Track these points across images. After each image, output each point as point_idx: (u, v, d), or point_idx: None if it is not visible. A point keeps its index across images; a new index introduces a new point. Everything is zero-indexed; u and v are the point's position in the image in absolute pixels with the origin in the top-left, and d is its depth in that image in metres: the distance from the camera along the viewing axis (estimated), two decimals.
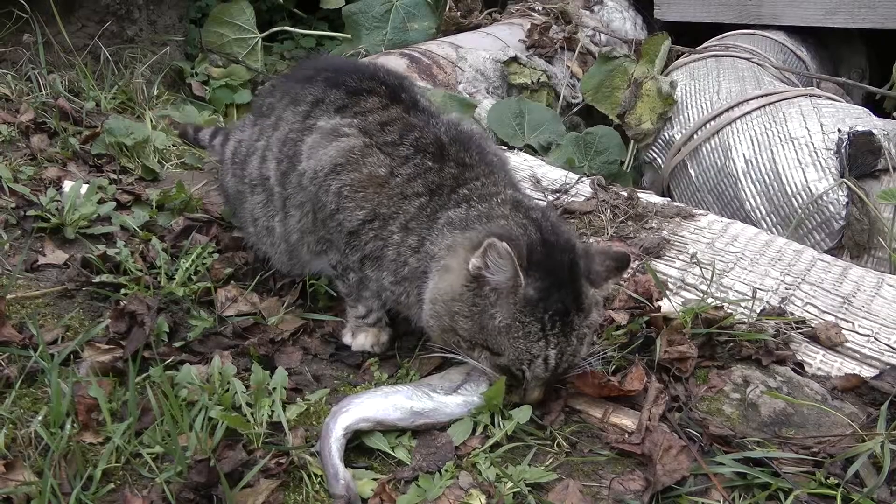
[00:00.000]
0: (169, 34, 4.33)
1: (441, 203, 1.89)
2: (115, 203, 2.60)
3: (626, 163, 3.89)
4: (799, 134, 3.30)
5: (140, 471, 1.61)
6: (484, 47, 4.34)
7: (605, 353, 1.94)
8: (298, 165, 2.04)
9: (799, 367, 1.99)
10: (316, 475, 1.64)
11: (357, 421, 1.68)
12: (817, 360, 2.04)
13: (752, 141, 3.40)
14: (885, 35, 4.65)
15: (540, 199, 2.62)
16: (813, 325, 2.12)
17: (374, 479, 1.63)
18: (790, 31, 4.88)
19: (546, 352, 1.70)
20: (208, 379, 1.83)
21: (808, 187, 3.15)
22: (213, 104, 4.33)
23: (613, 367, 1.94)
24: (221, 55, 4.63)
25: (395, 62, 3.94)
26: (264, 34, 4.72)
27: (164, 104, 3.90)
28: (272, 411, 1.76)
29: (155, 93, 3.98)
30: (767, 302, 2.20)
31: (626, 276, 2.13)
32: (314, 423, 1.78)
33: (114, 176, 2.86)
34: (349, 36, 4.76)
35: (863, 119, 3.31)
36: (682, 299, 2.22)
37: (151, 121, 3.37)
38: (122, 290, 2.16)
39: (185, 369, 1.83)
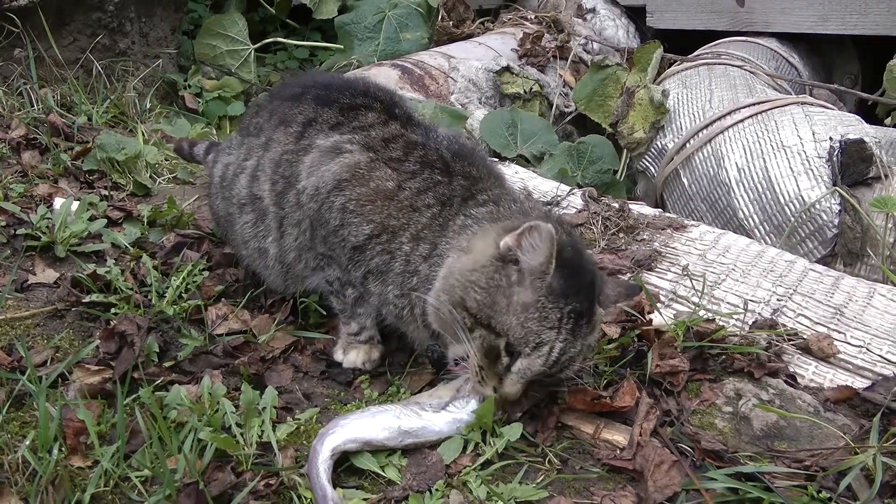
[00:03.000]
0: (161, 46, 4.33)
1: (454, 212, 1.88)
2: (106, 220, 2.58)
3: (620, 172, 3.89)
4: (791, 142, 3.30)
5: (129, 495, 1.60)
6: (476, 57, 4.34)
7: (597, 368, 1.94)
8: (297, 184, 2.03)
9: (791, 379, 1.98)
10: (306, 497, 1.62)
11: (344, 442, 1.67)
12: (810, 371, 2.04)
13: (744, 149, 3.40)
14: (876, 41, 4.65)
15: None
16: (805, 336, 2.12)
17: (364, 500, 1.62)
18: (782, 37, 4.89)
19: (555, 342, 1.68)
20: (198, 399, 1.82)
21: (801, 195, 3.15)
22: (206, 116, 4.32)
23: (605, 381, 1.93)
24: (214, 67, 4.62)
25: (386, 73, 3.94)
26: (257, 45, 4.71)
27: (157, 117, 3.89)
28: (262, 431, 1.75)
29: (147, 106, 3.96)
30: (759, 314, 2.19)
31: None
32: (305, 442, 1.77)
33: (105, 192, 2.84)
34: (342, 46, 4.76)
35: (854, 127, 3.31)
36: (674, 312, 2.21)
37: (143, 135, 3.36)
38: (113, 310, 2.15)
39: (174, 390, 1.82)
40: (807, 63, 4.91)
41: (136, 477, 1.61)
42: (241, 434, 1.74)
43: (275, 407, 1.83)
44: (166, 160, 3.26)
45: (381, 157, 1.96)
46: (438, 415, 1.76)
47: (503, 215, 1.86)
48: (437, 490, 1.63)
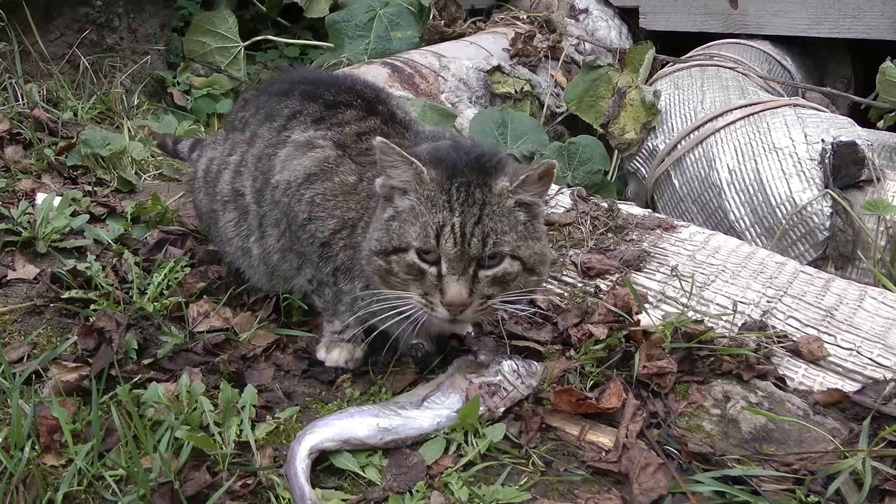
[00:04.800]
0: (150, 43, 4.29)
1: None
2: (88, 216, 2.55)
3: (611, 173, 3.86)
4: (783, 144, 3.28)
5: (103, 494, 1.57)
6: (467, 56, 4.31)
7: (584, 369, 1.92)
8: (272, 179, 2.01)
9: (780, 381, 1.95)
10: (284, 497, 1.59)
11: (323, 441, 1.65)
12: (799, 374, 2.01)
13: (735, 151, 3.38)
14: (869, 45, 4.64)
15: None
16: (795, 338, 2.09)
17: (344, 500, 1.59)
18: (775, 40, 4.87)
19: (452, 219, 1.64)
20: (176, 397, 1.79)
21: (793, 198, 3.13)
22: (194, 114, 4.28)
23: (591, 382, 1.91)
24: (204, 64, 4.59)
25: (376, 71, 3.91)
26: (247, 43, 4.69)
27: (145, 114, 3.85)
28: (240, 430, 1.72)
29: (135, 102, 3.94)
30: (749, 315, 2.17)
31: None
32: (284, 441, 1.74)
33: (89, 188, 2.81)
34: (332, 45, 4.73)
35: (846, 129, 3.29)
36: (663, 313, 2.18)
37: (130, 131, 3.33)
38: (92, 306, 2.12)
39: (151, 388, 1.79)
40: (800, 66, 4.89)
41: (111, 476, 1.58)
42: (220, 433, 1.71)
43: (254, 406, 1.80)
44: (152, 157, 3.23)
45: (349, 153, 1.96)
46: (418, 410, 1.74)
47: None
48: (417, 491, 1.61)
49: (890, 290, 2.35)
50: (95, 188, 2.83)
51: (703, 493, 1.61)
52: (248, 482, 1.60)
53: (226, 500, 1.57)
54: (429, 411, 1.74)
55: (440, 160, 1.71)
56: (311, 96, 2.09)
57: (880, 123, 3.65)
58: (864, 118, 4.01)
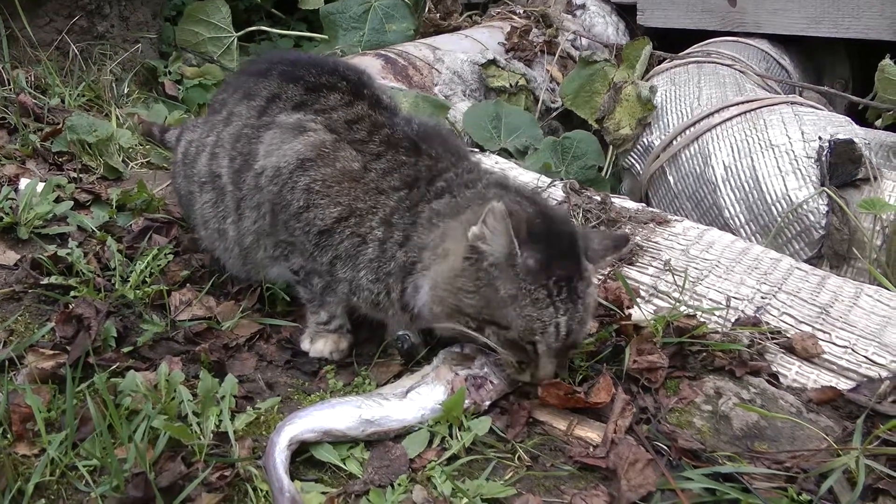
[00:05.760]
0: (142, 31, 4.24)
1: (420, 195, 1.85)
2: (72, 202, 2.52)
3: (605, 169, 3.82)
4: (780, 141, 3.24)
5: (76, 485, 1.52)
6: (462, 49, 4.27)
7: (573, 363, 1.88)
8: (255, 164, 1.97)
9: (773, 378, 1.92)
10: (262, 489, 1.55)
11: (303, 431, 1.61)
12: (793, 371, 1.98)
13: (731, 148, 3.34)
14: (868, 46, 4.60)
15: None
16: (789, 335, 2.05)
17: (323, 493, 1.55)
18: (773, 39, 4.83)
19: (556, 318, 1.66)
20: (155, 386, 1.75)
21: (789, 195, 3.09)
22: (185, 104, 4.22)
23: (580, 376, 1.87)
24: (196, 54, 4.54)
25: (369, 63, 3.86)
26: (240, 33, 4.63)
27: (134, 102, 3.80)
28: (220, 421, 1.68)
29: (125, 91, 3.88)
30: (742, 311, 2.13)
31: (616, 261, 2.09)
32: (264, 433, 1.70)
33: (74, 174, 2.76)
34: (326, 37, 4.68)
35: (844, 128, 3.25)
36: (654, 307, 2.15)
37: (118, 118, 3.28)
38: (72, 293, 2.07)
39: (129, 376, 1.74)
40: (797, 66, 4.85)
41: (84, 466, 1.54)
42: (198, 423, 1.67)
43: (234, 396, 1.77)
44: (140, 145, 3.17)
45: (346, 139, 1.91)
46: (401, 402, 1.70)
47: (461, 206, 1.81)
48: (399, 485, 1.57)
49: (888, 289, 2.31)
50: (81, 175, 2.78)
51: (692, 490, 1.57)
52: (226, 474, 1.56)
53: (202, 491, 1.52)
54: (413, 403, 1.70)
55: (532, 237, 1.67)
56: (290, 77, 2.05)
57: (878, 122, 3.61)
58: (861, 119, 3.97)
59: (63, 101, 3.37)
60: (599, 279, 2.19)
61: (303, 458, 1.63)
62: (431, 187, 1.86)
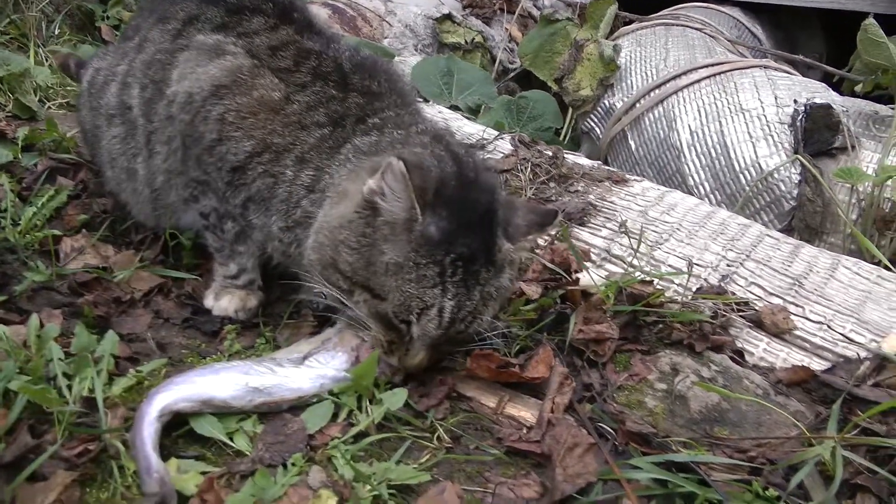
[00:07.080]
0: None
1: (345, 135, 1.63)
2: None
3: (563, 132, 3.58)
4: (751, 105, 3.02)
5: None
6: (416, 3, 4.05)
7: (509, 330, 1.62)
8: (167, 91, 1.76)
9: (738, 355, 1.73)
10: (129, 468, 1.30)
11: (177, 401, 1.35)
12: (760, 348, 1.78)
13: (699, 111, 3.12)
14: (843, 19, 4.41)
15: None
16: (757, 307, 1.87)
17: (203, 473, 1.30)
18: (746, 7, 4.67)
19: (442, 301, 1.41)
20: (25, 343, 1.51)
21: (758, 163, 2.87)
22: None
23: (517, 347, 1.64)
24: None
25: (315, 12, 3.59)
26: None
27: (64, 44, 3.52)
28: (93, 385, 1.42)
29: (56, 32, 3.59)
30: (705, 279, 1.92)
31: (547, 236, 1.88)
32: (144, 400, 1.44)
33: None
34: None
35: (820, 94, 3.05)
36: (607, 273, 1.92)
37: (37, 55, 3.03)
38: None
39: None
40: (770, 37, 4.69)
41: None
42: (68, 386, 1.42)
43: (115, 356, 1.53)
44: (61, 86, 2.96)
45: (268, 66, 1.70)
46: (297, 370, 1.46)
47: (382, 147, 1.57)
48: (293, 464, 1.32)
49: (874, 259, 2.09)
50: None
51: (640, 480, 1.36)
52: (90, 447, 1.31)
53: (57, 468, 1.27)
54: (311, 371, 1.46)
55: (443, 203, 1.43)
56: None
57: (858, 87, 3.39)
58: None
59: None
60: (546, 239, 1.94)
61: (184, 430, 1.38)
62: (360, 126, 1.64)
